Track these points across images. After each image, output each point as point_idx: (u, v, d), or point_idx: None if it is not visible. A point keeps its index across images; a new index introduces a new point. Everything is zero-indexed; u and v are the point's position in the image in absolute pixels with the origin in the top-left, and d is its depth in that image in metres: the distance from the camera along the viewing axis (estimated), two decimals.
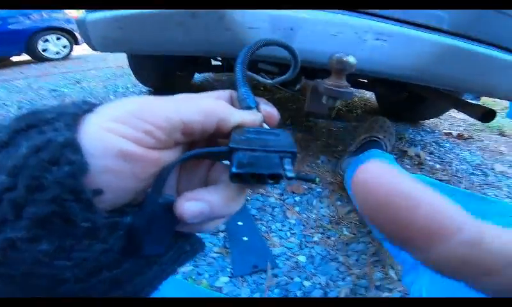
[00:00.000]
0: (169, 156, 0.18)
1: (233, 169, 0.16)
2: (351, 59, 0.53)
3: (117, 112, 0.16)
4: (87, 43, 0.95)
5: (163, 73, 1.69)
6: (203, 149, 0.19)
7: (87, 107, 0.17)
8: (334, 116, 1.69)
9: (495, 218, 0.47)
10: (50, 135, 0.14)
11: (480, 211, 0.51)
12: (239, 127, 0.20)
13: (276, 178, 0.17)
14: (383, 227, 0.11)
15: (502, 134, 1.94)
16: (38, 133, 0.15)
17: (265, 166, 0.17)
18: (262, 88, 2.23)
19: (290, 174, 0.17)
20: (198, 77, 2.51)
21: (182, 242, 0.21)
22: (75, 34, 4.46)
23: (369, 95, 2.42)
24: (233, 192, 0.19)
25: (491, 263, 0.10)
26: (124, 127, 0.16)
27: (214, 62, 1.78)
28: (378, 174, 0.12)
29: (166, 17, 0.66)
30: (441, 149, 1.47)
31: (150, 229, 0.17)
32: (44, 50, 4.26)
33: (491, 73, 0.82)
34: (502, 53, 0.79)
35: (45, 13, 4.25)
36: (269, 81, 0.43)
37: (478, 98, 2.27)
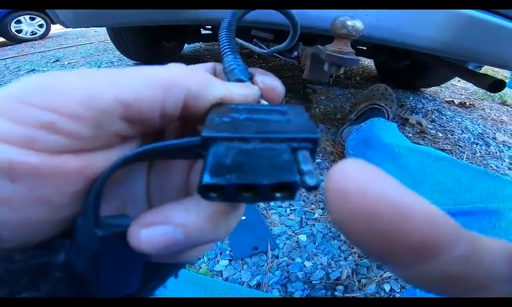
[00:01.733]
0: (109, 160, 0.12)
1: (205, 179, 0.09)
2: (358, 24, 0.47)
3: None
4: (56, 21, 0.84)
5: (149, 44, 1.58)
6: (152, 145, 0.12)
7: None
8: (332, 83, 1.62)
9: (509, 201, 0.43)
10: None
11: (493, 191, 0.48)
12: (221, 105, 0.13)
13: (288, 190, 0.10)
14: (365, 241, 0.09)
15: (503, 104, 1.90)
16: None
17: (265, 169, 0.10)
18: (256, 56, 2.13)
19: (311, 182, 0.10)
20: (187, 47, 2.38)
21: (160, 267, 0.15)
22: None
23: (367, 62, 2.33)
24: (223, 205, 0.12)
25: (483, 280, 0.09)
26: (3, 123, 0.10)
27: (204, 31, 1.67)
28: (360, 178, 0.09)
29: None
30: (442, 117, 1.43)
31: (100, 266, 0.11)
32: (19, 32, 3.98)
33: (503, 42, 0.76)
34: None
35: None
36: (265, 50, 0.38)
37: (480, 67, 2.20)
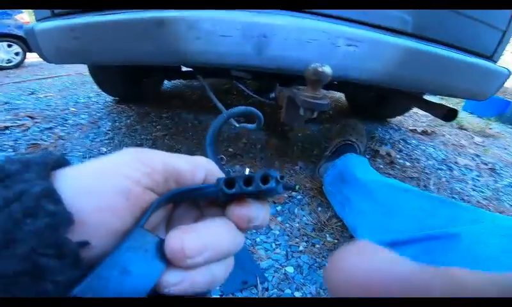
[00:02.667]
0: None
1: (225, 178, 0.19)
2: (327, 69, 0.52)
3: (118, 157, 0.18)
4: (39, 55, 0.85)
5: (129, 81, 1.60)
6: (190, 187, 0.19)
7: (54, 157, 0.17)
8: (302, 125, 1.71)
9: (468, 225, 0.49)
10: (22, 186, 0.14)
11: (453, 217, 0.53)
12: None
13: (267, 178, 0.18)
14: None
15: (461, 128, 2.09)
16: (2, 187, 0.14)
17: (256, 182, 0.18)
18: (234, 93, 2.21)
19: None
20: (168, 83, 2.42)
21: None
22: (27, 41, 4.11)
23: (339, 95, 2.49)
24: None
25: None
26: (126, 168, 0.17)
27: (184, 68, 1.72)
28: (366, 269, 0.11)
29: (130, 26, 0.60)
30: (408, 146, 1.54)
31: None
32: None
33: (451, 73, 0.87)
34: (460, 54, 0.84)
35: None
36: (236, 125, 0.44)
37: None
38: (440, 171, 1.28)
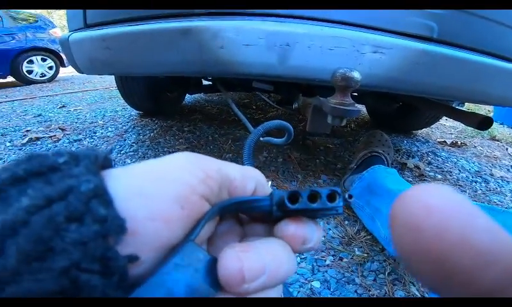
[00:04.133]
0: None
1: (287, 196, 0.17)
2: (356, 75, 0.51)
3: (172, 160, 0.16)
4: (72, 65, 0.89)
5: (153, 95, 1.65)
6: (246, 198, 0.18)
7: (103, 153, 0.16)
8: (329, 132, 1.68)
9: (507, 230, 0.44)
10: (69, 183, 0.12)
11: (502, 224, 0.48)
12: None
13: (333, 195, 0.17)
14: (432, 281, 0.08)
15: (493, 139, 1.97)
16: (44, 182, 0.12)
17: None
18: (254, 107, 2.22)
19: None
20: (188, 98, 2.48)
21: None
22: (60, 55, 4.34)
23: (360, 107, 2.43)
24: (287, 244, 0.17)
25: None
26: (182, 172, 0.15)
27: (204, 82, 1.76)
28: (439, 213, 0.08)
29: (156, 36, 0.62)
30: (438, 158, 1.46)
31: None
32: (29, 72, 4.13)
33: (485, 79, 0.82)
34: (493, 60, 0.79)
35: (29, 33, 4.14)
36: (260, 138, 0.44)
37: (462, 104, 2.31)
38: (474, 184, 1.20)
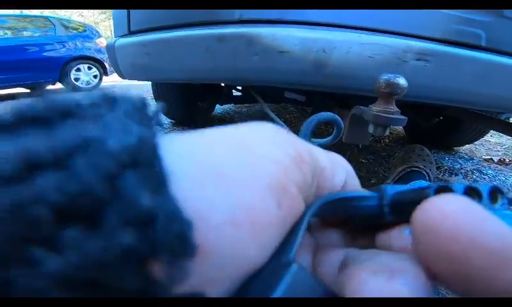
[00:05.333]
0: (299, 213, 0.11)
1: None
2: (402, 81, 0.47)
3: (253, 128, 0.11)
4: (116, 71, 0.95)
5: (185, 103, 1.69)
6: (352, 194, 0.13)
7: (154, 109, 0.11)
8: (361, 147, 1.61)
9: None
10: (88, 132, 0.07)
11: None
12: None
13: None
14: (448, 280, 0.09)
15: None
16: (43, 134, 0.07)
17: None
18: (282, 120, 2.20)
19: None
20: (218, 108, 2.53)
21: None
22: (104, 64, 4.58)
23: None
24: None
25: None
26: (272, 147, 0.10)
27: (235, 93, 1.78)
28: (455, 218, 0.09)
29: (193, 42, 0.63)
30: (484, 176, 1.34)
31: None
32: (76, 80, 4.38)
33: None
34: None
35: (78, 42, 4.39)
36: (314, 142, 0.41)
37: (508, 118, 2.13)
38: None
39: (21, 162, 0.06)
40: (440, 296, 0.63)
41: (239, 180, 0.09)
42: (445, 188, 0.12)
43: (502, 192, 0.12)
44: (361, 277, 0.09)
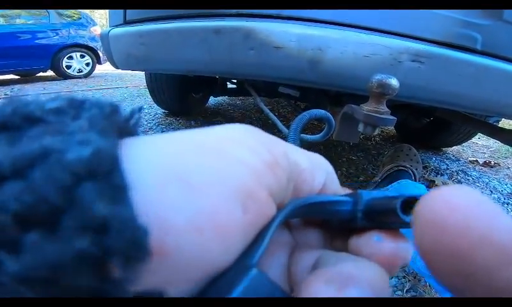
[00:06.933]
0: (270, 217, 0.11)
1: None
2: (394, 82, 0.48)
3: (224, 130, 0.11)
4: (109, 60, 0.93)
5: (179, 94, 1.68)
6: (325, 198, 0.13)
7: (126, 111, 0.11)
8: (351, 144, 1.64)
9: None
10: (49, 141, 0.07)
11: None
12: None
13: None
14: (448, 279, 0.08)
15: None
16: (5, 142, 0.08)
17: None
18: (276, 114, 2.21)
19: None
20: (212, 100, 2.52)
21: None
22: (98, 53, 4.53)
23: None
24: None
25: None
26: (242, 149, 0.10)
27: (229, 85, 1.78)
28: (461, 214, 0.08)
29: (189, 33, 0.63)
30: (468, 178, 1.38)
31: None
32: (68, 67, 4.33)
33: None
34: None
35: (72, 30, 4.34)
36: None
37: (497, 121, 2.19)
38: (506, 206, 1.13)
39: None
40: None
41: (203, 184, 0.09)
42: (412, 200, 0.12)
43: None
44: (314, 287, 0.09)
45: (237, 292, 0.09)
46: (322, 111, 0.26)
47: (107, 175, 0.07)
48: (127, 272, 0.07)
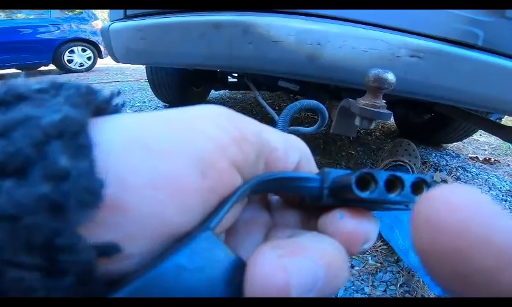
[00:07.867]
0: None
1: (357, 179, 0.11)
2: (390, 76, 0.49)
3: (198, 110, 0.12)
4: (110, 54, 0.94)
5: (180, 88, 1.69)
6: (293, 174, 0.13)
7: (104, 93, 0.12)
8: (352, 139, 1.64)
9: None
10: (31, 111, 0.09)
11: None
12: None
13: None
14: (447, 282, 0.08)
15: None
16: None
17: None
18: (277, 108, 2.21)
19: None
20: (213, 94, 2.52)
21: None
22: (99, 47, 4.54)
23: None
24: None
25: None
26: (210, 125, 0.11)
27: (230, 79, 1.78)
28: (462, 213, 0.08)
29: (189, 27, 0.63)
30: (468, 174, 1.39)
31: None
32: (69, 61, 4.35)
33: None
34: None
35: (73, 24, 4.35)
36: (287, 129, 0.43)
37: (500, 118, 2.18)
38: (504, 202, 1.14)
39: None
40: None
41: (165, 151, 0.10)
42: (367, 175, 0.12)
43: (427, 184, 0.12)
44: (261, 249, 0.10)
45: (184, 255, 0.09)
46: (314, 102, 0.27)
47: (74, 136, 0.09)
48: (80, 215, 0.08)
